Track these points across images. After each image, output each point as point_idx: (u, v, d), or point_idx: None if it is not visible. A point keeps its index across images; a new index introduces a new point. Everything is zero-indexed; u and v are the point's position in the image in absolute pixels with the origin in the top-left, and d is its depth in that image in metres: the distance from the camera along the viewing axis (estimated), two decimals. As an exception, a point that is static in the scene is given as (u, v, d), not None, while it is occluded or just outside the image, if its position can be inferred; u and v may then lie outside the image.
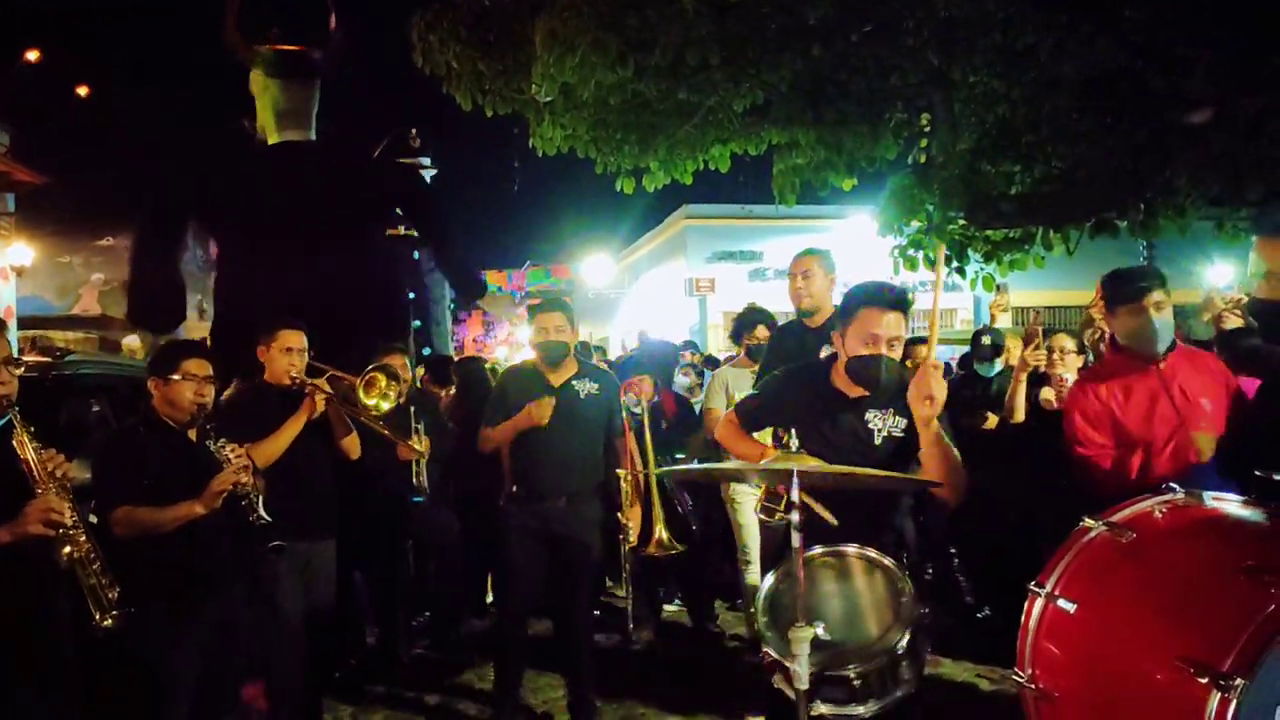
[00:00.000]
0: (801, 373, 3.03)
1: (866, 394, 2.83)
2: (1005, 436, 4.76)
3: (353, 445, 4.16)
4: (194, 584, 3.10)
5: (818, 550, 2.35)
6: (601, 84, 6.45)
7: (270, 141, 11.13)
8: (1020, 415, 4.22)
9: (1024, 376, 4.19)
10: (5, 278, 13.56)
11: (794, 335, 4.25)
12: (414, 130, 16.06)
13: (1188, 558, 1.85)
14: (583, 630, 4.25)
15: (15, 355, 2.73)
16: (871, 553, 2.34)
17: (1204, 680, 1.50)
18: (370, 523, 4.95)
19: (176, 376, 3.14)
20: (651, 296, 22.23)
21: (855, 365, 2.77)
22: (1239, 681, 1.46)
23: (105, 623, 2.42)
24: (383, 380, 4.31)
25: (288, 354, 3.90)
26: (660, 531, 4.62)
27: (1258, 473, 2.02)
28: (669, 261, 20.72)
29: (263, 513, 3.17)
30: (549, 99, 6.95)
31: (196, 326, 19.73)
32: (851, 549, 2.35)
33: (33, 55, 11.94)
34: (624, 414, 5.48)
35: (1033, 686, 1.92)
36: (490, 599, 6.07)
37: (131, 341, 12.49)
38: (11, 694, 2.42)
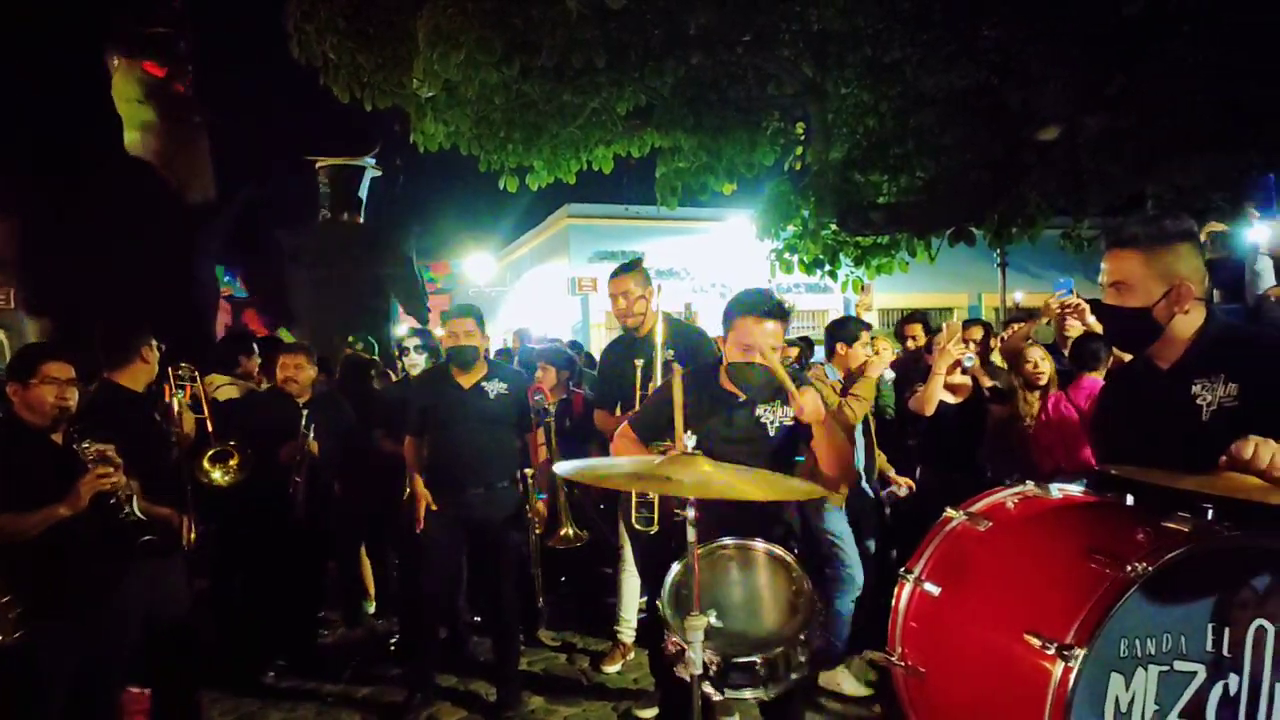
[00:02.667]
0: (693, 378, 3.14)
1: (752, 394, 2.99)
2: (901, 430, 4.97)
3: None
4: (64, 588, 2.96)
5: (721, 543, 2.48)
6: (486, 82, 6.43)
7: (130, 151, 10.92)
8: (932, 409, 4.39)
9: (943, 369, 4.34)
10: None
11: (622, 346, 4.37)
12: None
13: (1036, 543, 2.06)
14: (509, 618, 4.38)
15: None
16: (773, 547, 2.49)
17: (1049, 651, 1.69)
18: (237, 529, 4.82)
19: (35, 380, 3.00)
20: (534, 295, 22.17)
21: (732, 371, 2.95)
22: (1079, 651, 1.65)
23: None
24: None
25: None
26: (567, 526, 4.62)
27: (1095, 467, 2.26)
28: (551, 260, 20.70)
29: (135, 510, 3.06)
30: (431, 95, 6.87)
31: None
32: (756, 543, 2.49)
33: None
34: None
35: (903, 664, 2.09)
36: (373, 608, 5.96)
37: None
38: None
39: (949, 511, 2.22)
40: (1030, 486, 2.24)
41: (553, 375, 5.58)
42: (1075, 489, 2.27)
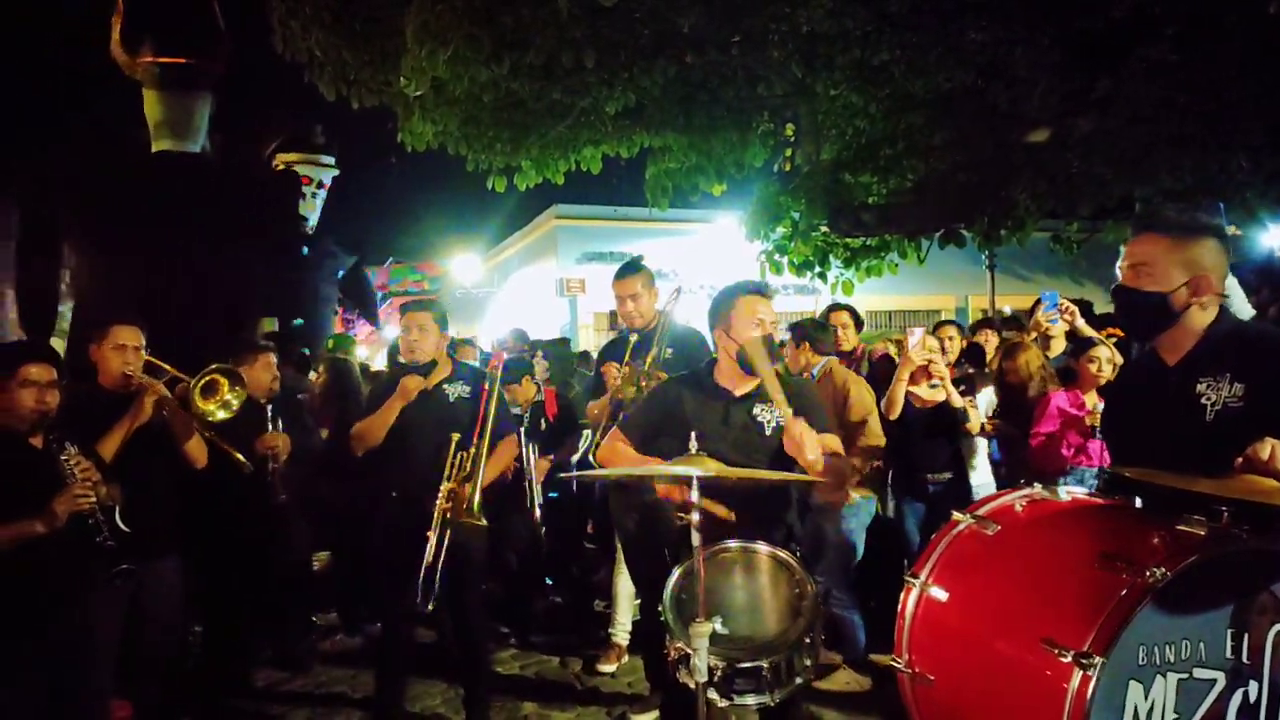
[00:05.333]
0: (686, 380, 3.09)
1: (753, 388, 2.94)
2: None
3: (197, 451, 3.82)
4: (37, 597, 2.84)
5: (723, 546, 2.42)
6: (474, 81, 6.35)
7: (152, 149, 10.73)
8: (898, 411, 4.38)
9: (906, 375, 4.34)
10: None
11: (623, 345, 4.29)
12: (319, 127, 15.51)
13: (1047, 547, 2.02)
14: (475, 631, 4.15)
15: None
16: (775, 550, 2.43)
17: (1066, 659, 1.64)
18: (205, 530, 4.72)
19: (13, 382, 2.89)
20: (521, 296, 22.08)
21: (750, 345, 2.83)
22: (1097, 659, 1.61)
23: None
24: (224, 384, 3.96)
25: (120, 351, 3.61)
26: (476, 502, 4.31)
27: (1104, 469, 2.23)
28: (539, 261, 20.61)
29: (108, 534, 2.89)
30: (419, 93, 6.79)
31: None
32: (758, 546, 2.43)
33: None
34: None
35: (910, 671, 2.04)
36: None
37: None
38: None
39: (955, 515, 2.18)
40: (1038, 489, 2.20)
41: (529, 388, 5.49)
42: (1084, 491, 2.24)
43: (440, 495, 3.78)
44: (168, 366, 3.90)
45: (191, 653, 4.93)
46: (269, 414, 4.81)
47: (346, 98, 7.15)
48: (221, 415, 3.96)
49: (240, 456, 3.97)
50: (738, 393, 2.95)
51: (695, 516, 2.16)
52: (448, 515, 3.77)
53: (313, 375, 6.98)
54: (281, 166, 13.82)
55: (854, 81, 7.53)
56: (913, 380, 4.41)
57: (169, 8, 11.43)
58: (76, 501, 2.81)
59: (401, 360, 4.23)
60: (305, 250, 13.12)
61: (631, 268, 4.25)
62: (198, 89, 11.76)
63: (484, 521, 3.72)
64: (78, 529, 2.85)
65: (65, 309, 11.17)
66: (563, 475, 2.99)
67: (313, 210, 15.73)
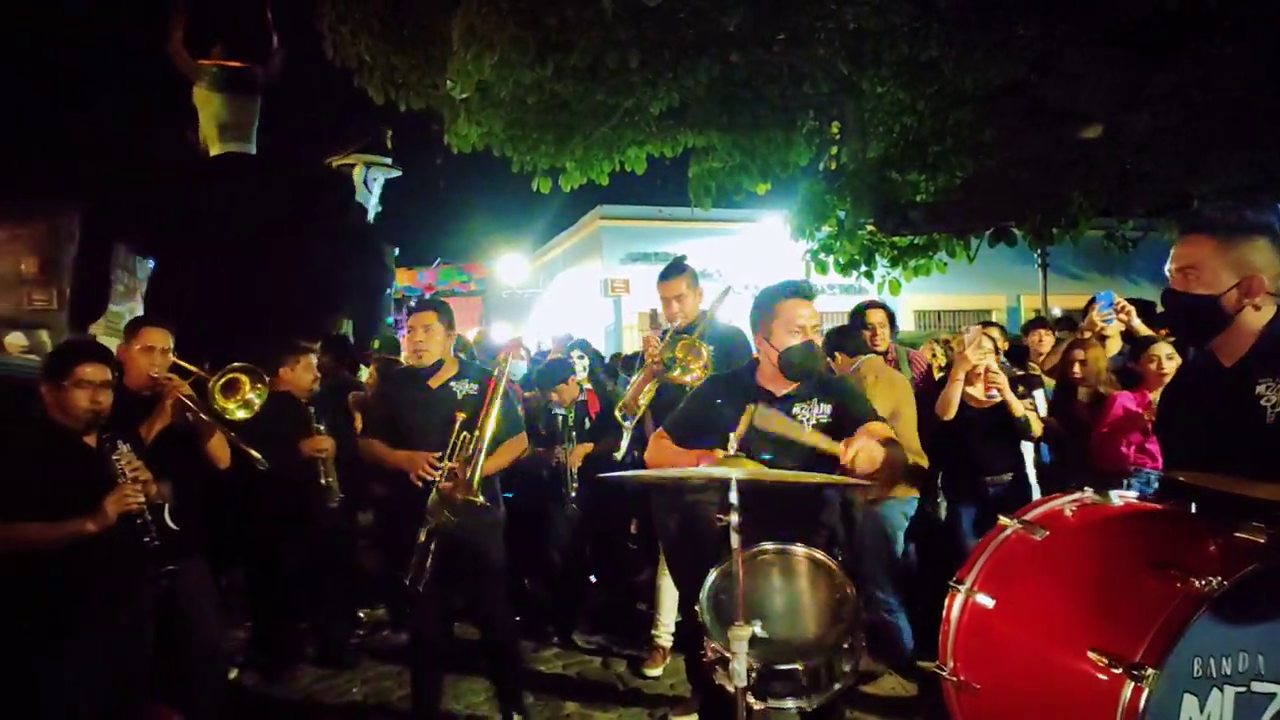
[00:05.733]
0: (727, 380, 3.08)
1: (792, 389, 2.92)
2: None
3: (219, 451, 3.80)
4: (88, 596, 2.91)
5: (762, 548, 2.40)
6: (519, 83, 6.41)
7: (212, 152, 10.99)
8: (953, 412, 4.30)
9: (962, 375, 4.25)
10: None
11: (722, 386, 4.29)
12: (390, 131, 15.79)
13: (1098, 553, 1.96)
14: (503, 632, 4.13)
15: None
16: (814, 552, 2.41)
17: (1117, 670, 1.60)
18: (251, 529, 4.79)
19: (68, 382, 2.97)
20: (566, 296, 22.19)
21: (789, 354, 2.85)
22: (1150, 671, 1.56)
23: None
24: (245, 383, 3.96)
25: (148, 353, 3.66)
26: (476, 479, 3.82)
27: (1160, 473, 2.16)
28: (584, 262, 20.71)
29: (156, 534, 2.95)
30: (465, 96, 6.86)
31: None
32: (797, 548, 2.41)
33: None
34: (546, 414, 5.53)
35: (955, 679, 2.00)
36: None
37: (15, 339, 11.77)
38: None
39: (1002, 519, 2.13)
40: (1089, 493, 2.15)
41: (573, 388, 5.51)
42: (1136, 496, 2.18)
43: (439, 474, 3.71)
44: (193, 368, 3.93)
45: (238, 653, 5.07)
46: (312, 414, 4.89)
47: (394, 101, 7.26)
48: (242, 414, 3.96)
49: (256, 455, 3.92)
50: (778, 393, 2.93)
51: (734, 518, 2.14)
52: (446, 494, 3.69)
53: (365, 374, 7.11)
54: (337, 165, 14.07)
55: (901, 78, 7.43)
56: (968, 380, 4.32)
57: (230, 13, 11.74)
58: (126, 501, 2.86)
59: (408, 363, 4.12)
60: (395, 251, 13.42)
61: (676, 268, 4.22)
62: (255, 93, 12.10)
63: (481, 499, 3.63)
64: (127, 528, 2.89)
65: (123, 309, 11.50)
66: (602, 476, 2.98)
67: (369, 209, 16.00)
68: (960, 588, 2.08)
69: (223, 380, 3.91)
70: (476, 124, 7.20)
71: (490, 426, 3.75)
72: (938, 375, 5.58)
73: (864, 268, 8.29)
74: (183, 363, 3.87)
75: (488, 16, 6.00)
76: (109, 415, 3.08)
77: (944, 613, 2.08)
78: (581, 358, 5.67)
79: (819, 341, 2.93)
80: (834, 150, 8.45)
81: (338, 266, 12.07)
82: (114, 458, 2.96)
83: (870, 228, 7.97)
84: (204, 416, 3.71)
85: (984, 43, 6.65)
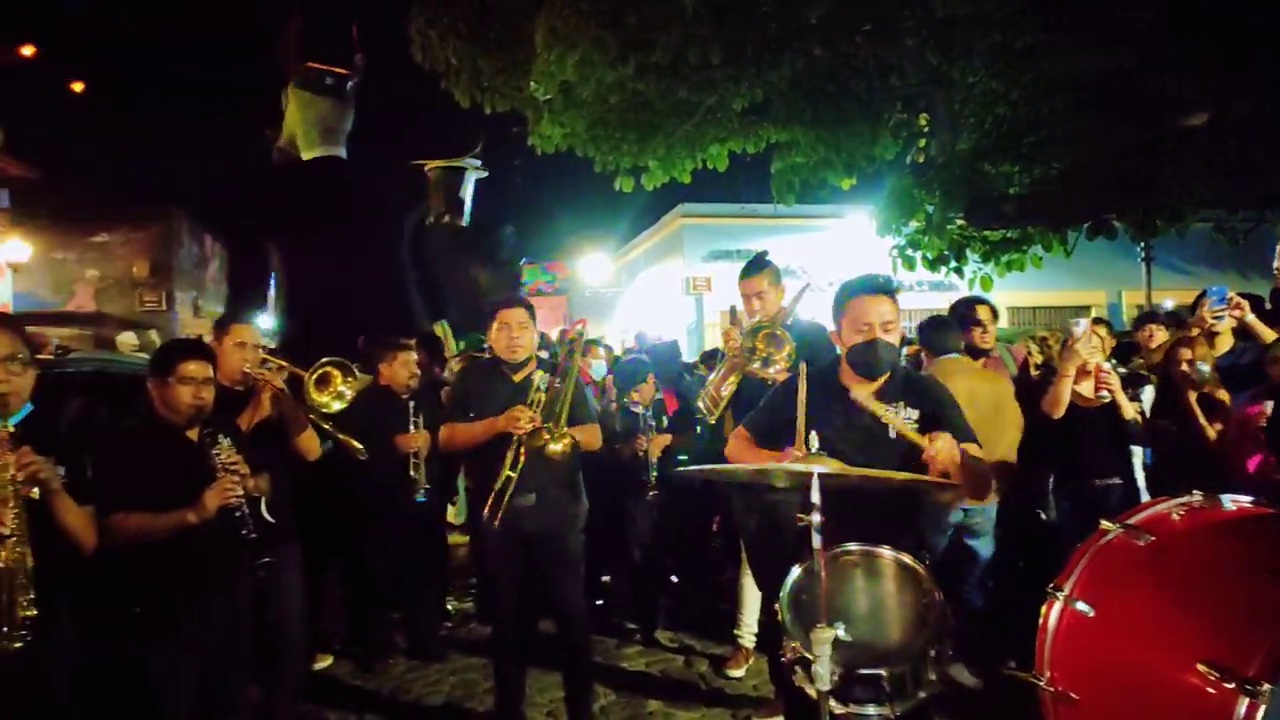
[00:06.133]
0: (809, 377, 3.02)
1: (874, 389, 2.85)
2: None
3: (309, 443, 3.89)
4: (189, 586, 3.03)
5: (845, 549, 2.35)
6: (601, 82, 6.45)
7: (306, 155, 11.53)
8: (1062, 410, 4.13)
9: (1073, 370, 4.08)
10: (1, 274, 13.52)
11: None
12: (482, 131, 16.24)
13: (1208, 560, 1.85)
14: (578, 631, 4.05)
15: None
16: (900, 554, 2.34)
17: (1229, 685, 1.50)
18: (349, 521, 4.92)
19: (173, 378, 3.08)
20: (648, 295, 22.24)
21: (854, 354, 2.79)
22: (1266, 686, 1.46)
23: (13, 644, 2.29)
24: (337, 376, 4.05)
25: (240, 349, 3.77)
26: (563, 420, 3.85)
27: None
28: (666, 260, 20.71)
29: (253, 526, 3.04)
30: (548, 97, 6.94)
31: (193, 323, 19.72)
32: (882, 550, 2.34)
33: (28, 51, 11.87)
34: (623, 414, 5.56)
35: (1052, 689, 1.92)
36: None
37: (126, 338, 12.43)
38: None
39: (1104, 524, 2.03)
40: (1198, 496, 2.03)
41: (651, 387, 5.53)
42: (1250, 500, 2.05)
43: (522, 418, 3.68)
44: (284, 362, 4.07)
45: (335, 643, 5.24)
46: (410, 409, 5.01)
47: (479, 103, 7.40)
48: (336, 406, 4.08)
49: (357, 444, 4.04)
50: (864, 390, 2.85)
51: (815, 517, 2.10)
52: (525, 437, 3.67)
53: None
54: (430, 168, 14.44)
55: (994, 67, 7.20)
56: (1076, 377, 4.14)
57: (338, 24, 12.33)
58: (225, 494, 2.96)
59: (501, 359, 4.03)
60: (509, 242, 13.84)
61: (757, 265, 4.15)
62: (352, 98, 12.62)
63: (567, 440, 3.64)
64: (226, 521, 2.98)
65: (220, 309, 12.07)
66: (680, 470, 2.97)
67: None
68: (1058, 595, 2.00)
69: (316, 374, 4.04)
70: (560, 125, 7.28)
71: (571, 388, 3.76)
72: (1034, 373, 5.39)
73: (954, 263, 8.06)
74: (273, 358, 4.01)
75: (569, 18, 6.07)
76: (210, 410, 3.18)
77: (1040, 620, 2.00)
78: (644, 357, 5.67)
79: (896, 339, 2.82)
80: (922, 143, 8.26)
81: (442, 268, 12.55)
82: (214, 452, 3.06)
83: (960, 222, 7.74)
84: (296, 409, 3.84)
85: (1081, 29, 6.40)
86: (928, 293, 16.15)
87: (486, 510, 3.72)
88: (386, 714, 4.46)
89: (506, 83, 7.26)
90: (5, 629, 2.26)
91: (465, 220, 14.61)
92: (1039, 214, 7.26)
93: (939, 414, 2.76)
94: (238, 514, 2.99)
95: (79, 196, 16.98)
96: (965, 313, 5.02)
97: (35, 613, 2.32)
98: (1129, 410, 4.18)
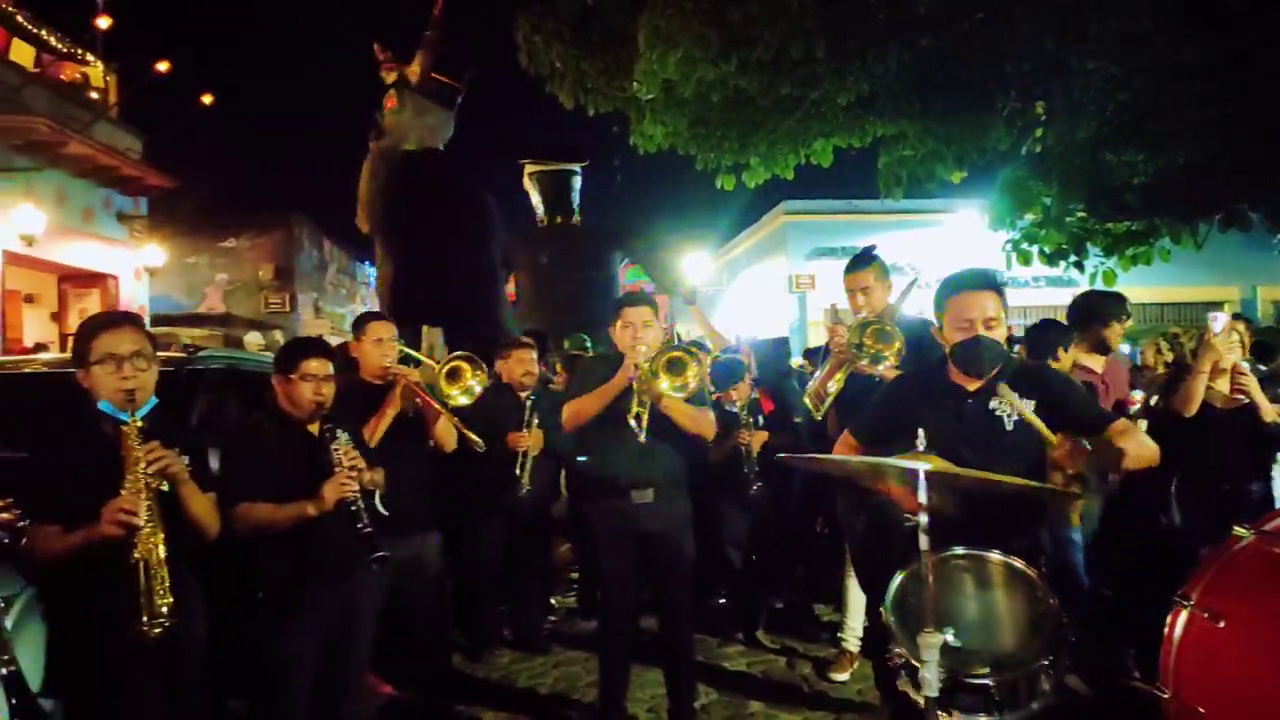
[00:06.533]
0: (917, 376, 2.94)
1: (984, 384, 2.77)
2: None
3: (445, 435, 4.01)
4: (311, 572, 3.17)
5: (955, 552, 2.28)
6: (703, 80, 6.44)
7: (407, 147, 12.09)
8: (1194, 408, 3.92)
9: (1208, 368, 3.87)
10: (139, 277, 14.43)
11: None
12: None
13: (1355, 572, 1.73)
14: (682, 630, 4.06)
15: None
16: (1012, 559, 2.25)
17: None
18: (461, 514, 5.04)
19: (296, 375, 3.24)
20: (750, 294, 22.10)
21: (956, 352, 2.70)
22: None
23: (153, 630, 2.38)
24: (467, 370, 4.18)
25: (378, 345, 3.95)
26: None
27: None
28: (768, 258, 20.54)
29: (368, 520, 3.16)
30: (650, 97, 6.97)
31: (314, 323, 20.67)
32: (992, 554, 2.26)
33: (163, 66, 12.68)
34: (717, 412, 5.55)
35: (1176, 702, 1.82)
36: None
37: (253, 338, 13.15)
38: (136, 683, 2.49)
39: (1237, 530, 1.92)
40: (1344, 505, 1.89)
41: (746, 388, 5.49)
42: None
43: (638, 354, 3.71)
44: (420, 355, 4.24)
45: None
46: (528, 408, 5.12)
47: (583, 105, 7.49)
48: (464, 400, 4.21)
49: (475, 438, 4.12)
50: (970, 387, 2.76)
51: (923, 519, 2.04)
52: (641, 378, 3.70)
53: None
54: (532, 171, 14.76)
55: (1115, 52, 6.85)
56: (1211, 375, 3.92)
57: (457, 40, 13.02)
58: (343, 489, 3.07)
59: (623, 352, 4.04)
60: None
61: (863, 260, 4.06)
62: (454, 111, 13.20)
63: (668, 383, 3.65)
64: (343, 513, 3.10)
65: (345, 311, 12.60)
66: (781, 456, 2.94)
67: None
68: (1185, 604, 1.89)
69: (447, 367, 4.18)
70: (661, 124, 7.30)
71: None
72: (1161, 371, 5.11)
73: (1073, 257, 7.71)
74: (411, 352, 4.18)
75: (672, 17, 6.08)
76: (331, 406, 3.32)
77: (1165, 629, 1.89)
78: (750, 353, 5.59)
79: (1001, 335, 2.72)
80: (1038, 132, 7.91)
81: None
82: (333, 447, 3.18)
83: (1080, 214, 7.40)
84: (432, 402, 3.97)
85: (1210, 9, 6.02)
86: (1045, 289, 15.53)
87: (631, 419, 3.69)
88: (493, 703, 4.57)
89: (609, 84, 7.32)
90: (145, 617, 2.37)
91: (575, 221, 14.90)
92: (1166, 204, 6.86)
93: (1059, 401, 2.65)
94: (353, 508, 3.10)
95: (209, 203, 18.05)
96: (1110, 307, 4.74)
97: (172, 599, 2.43)
98: (1269, 412, 3.93)
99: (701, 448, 4.19)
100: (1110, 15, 6.35)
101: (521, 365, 5.20)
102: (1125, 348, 6.42)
